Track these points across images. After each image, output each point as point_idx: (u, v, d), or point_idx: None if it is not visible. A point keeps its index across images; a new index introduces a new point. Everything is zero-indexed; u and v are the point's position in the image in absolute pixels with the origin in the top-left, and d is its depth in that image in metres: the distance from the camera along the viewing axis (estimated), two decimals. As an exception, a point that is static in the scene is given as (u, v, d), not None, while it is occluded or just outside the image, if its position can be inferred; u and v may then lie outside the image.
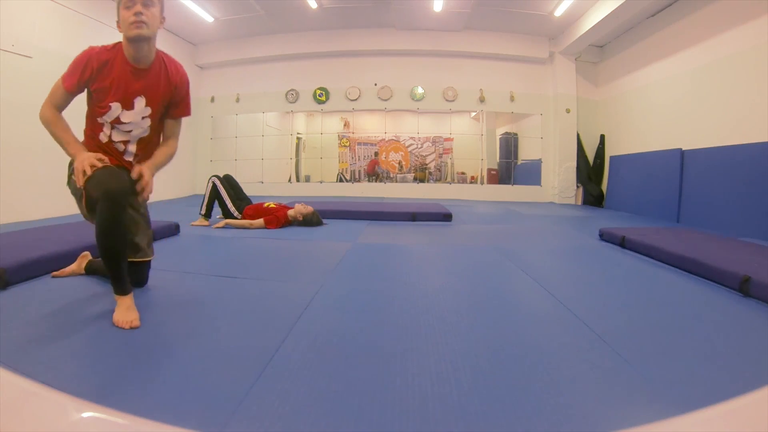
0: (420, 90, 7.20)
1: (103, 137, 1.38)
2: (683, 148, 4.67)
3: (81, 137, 1.43)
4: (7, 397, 0.79)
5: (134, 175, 1.31)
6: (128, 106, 1.34)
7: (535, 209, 5.70)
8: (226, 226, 3.47)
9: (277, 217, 3.46)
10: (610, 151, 6.53)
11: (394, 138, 8.49)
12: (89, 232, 2.44)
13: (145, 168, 1.32)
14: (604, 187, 6.57)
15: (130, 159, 1.42)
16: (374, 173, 8.50)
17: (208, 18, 6.00)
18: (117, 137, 1.38)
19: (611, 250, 2.79)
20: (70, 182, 1.42)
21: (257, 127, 7.52)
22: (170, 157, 1.48)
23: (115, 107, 1.33)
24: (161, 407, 0.86)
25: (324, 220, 3.74)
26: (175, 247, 2.64)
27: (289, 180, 7.99)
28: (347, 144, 8.83)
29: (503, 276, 2.12)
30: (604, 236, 3.15)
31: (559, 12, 5.71)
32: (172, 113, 1.48)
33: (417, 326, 1.36)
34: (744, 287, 1.75)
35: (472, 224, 4.02)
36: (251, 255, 2.43)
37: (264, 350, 1.14)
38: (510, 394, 0.95)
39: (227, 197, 3.65)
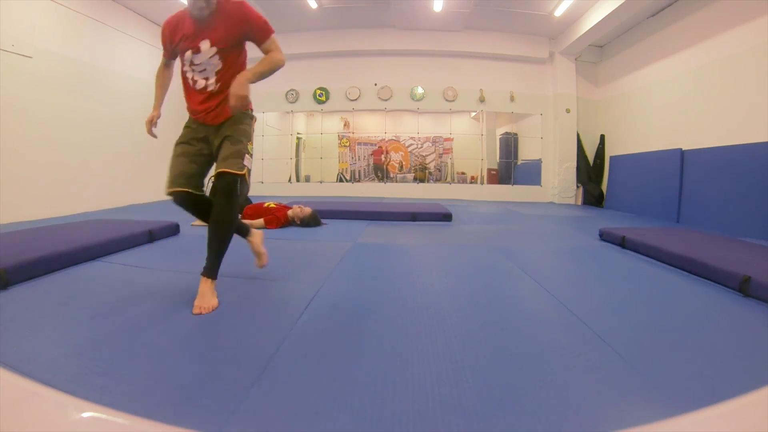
0: (420, 90, 7.20)
1: (190, 81, 1.68)
2: (683, 148, 4.67)
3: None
4: (7, 397, 0.79)
5: (231, 102, 1.56)
6: (196, 50, 1.62)
7: (535, 209, 5.70)
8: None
9: (277, 217, 3.46)
10: (610, 151, 6.53)
11: (394, 138, 8.50)
12: (88, 232, 2.45)
13: (234, 85, 1.55)
14: (604, 187, 6.57)
15: (213, 89, 1.66)
16: (380, 165, 8.49)
17: (208, 18, 5.99)
18: (197, 76, 1.66)
19: (611, 250, 2.79)
20: None
21: (257, 127, 7.50)
22: (272, 64, 1.67)
23: (188, 54, 1.63)
24: (161, 407, 0.86)
25: (324, 220, 3.74)
26: (175, 247, 2.64)
27: (289, 180, 7.99)
28: (347, 144, 8.83)
29: (503, 276, 2.12)
30: (604, 236, 3.15)
31: (559, 12, 5.71)
32: (255, 40, 1.69)
33: (417, 326, 1.36)
34: (744, 287, 1.75)
35: (472, 224, 4.02)
36: (251, 255, 2.42)
37: (264, 350, 1.14)
38: (510, 394, 0.95)
39: (227, 197, 3.64)
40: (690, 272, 2.14)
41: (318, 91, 7.27)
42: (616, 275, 2.19)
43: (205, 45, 1.61)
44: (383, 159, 8.56)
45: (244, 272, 2.05)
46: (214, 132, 1.68)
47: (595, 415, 0.88)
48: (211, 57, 1.62)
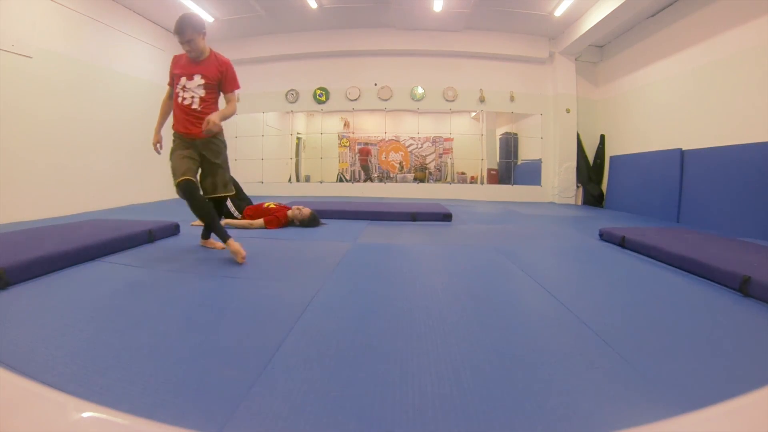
0: (420, 90, 7.20)
1: (180, 99, 2.26)
2: (683, 148, 4.67)
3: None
4: (7, 397, 0.79)
5: (203, 125, 2.15)
6: (190, 78, 2.24)
7: (535, 209, 5.70)
8: (226, 227, 3.46)
9: (277, 218, 3.46)
10: (610, 151, 6.53)
11: (394, 138, 8.50)
12: (88, 232, 2.45)
13: (211, 115, 2.16)
14: (604, 187, 6.57)
15: (198, 108, 2.25)
16: (366, 164, 8.50)
17: (209, 18, 5.99)
18: (185, 95, 2.25)
19: (611, 250, 2.79)
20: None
21: (257, 127, 7.52)
22: (232, 111, 2.32)
23: (183, 80, 2.25)
24: (161, 407, 0.86)
25: (324, 220, 3.74)
26: (175, 247, 2.64)
27: (289, 180, 7.99)
28: (347, 144, 8.83)
29: (503, 276, 2.12)
30: (604, 236, 3.15)
31: (559, 12, 5.71)
32: (224, 88, 2.34)
33: (417, 326, 1.36)
34: (744, 287, 1.75)
35: (472, 224, 4.02)
36: (251, 255, 2.42)
37: (264, 350, 1.15)
38: (510, 394, 0.95)
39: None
40: (690, 272, 2.14)
41: (318, 91, 7.27)
42: (616, 275, 2.19)
43: (197, 76, 2.24)
44: (383, 157, 8.55)
45: (244, 273, 2.05)
46: (201, 145, 2.30)
47: (595, 415, 0.88)
48: (198, 85, 2.24)
